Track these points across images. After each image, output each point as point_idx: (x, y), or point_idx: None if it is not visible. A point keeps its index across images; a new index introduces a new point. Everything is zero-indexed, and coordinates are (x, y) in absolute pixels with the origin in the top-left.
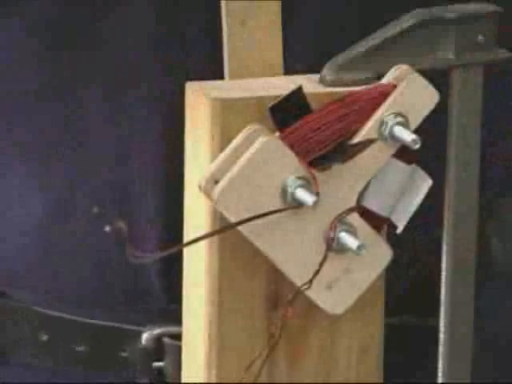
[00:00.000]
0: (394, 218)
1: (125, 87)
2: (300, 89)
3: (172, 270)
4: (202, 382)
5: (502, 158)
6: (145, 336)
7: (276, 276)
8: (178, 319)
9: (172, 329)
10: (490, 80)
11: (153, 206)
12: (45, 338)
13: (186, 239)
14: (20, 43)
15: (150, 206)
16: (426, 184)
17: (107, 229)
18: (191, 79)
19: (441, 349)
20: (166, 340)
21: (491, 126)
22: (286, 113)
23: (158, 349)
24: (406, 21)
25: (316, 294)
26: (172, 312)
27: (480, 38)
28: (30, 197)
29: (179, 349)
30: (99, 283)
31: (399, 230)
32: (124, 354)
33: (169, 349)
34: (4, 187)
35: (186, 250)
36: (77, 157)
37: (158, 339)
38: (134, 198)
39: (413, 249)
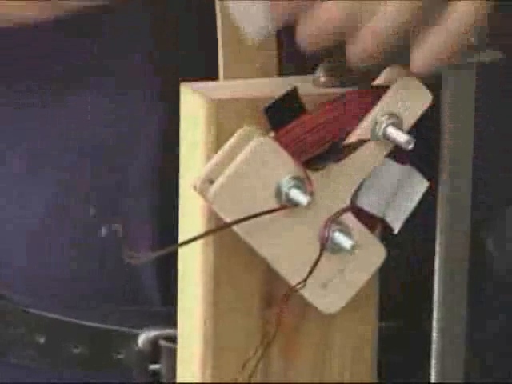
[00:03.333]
0: (389, 219)
1: (123, 88)
2: (295, 89)
3: (167, 271)
4: (197, 381)
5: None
6: (141, 338)
7: (271, 275)
8: (174, 321)
9: (168, 331)
10: (490, 80)
11: (148, 206)
12: (42, 340)
13: (180, 239)
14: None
15: (144, 205)
16: (421, 186)
17: (102, 231)
18: (189, 80)
19: (434, 348)
20: (162, 342)
21: (490, 128)
22: (281, 113)
23: (154, 351)
24: None
25: (310, 294)
26: (168, 314)
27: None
28: (28, 197)
29: (175, 351)
30: (96, 285)
31: (395, 231)
32: (120, 356)
33: (165, 351)
34: (1, 189)
35: (181, 250)
36: (74, 157)
37: (154, 341)
38: (129, 198)
39: (412, 249)
